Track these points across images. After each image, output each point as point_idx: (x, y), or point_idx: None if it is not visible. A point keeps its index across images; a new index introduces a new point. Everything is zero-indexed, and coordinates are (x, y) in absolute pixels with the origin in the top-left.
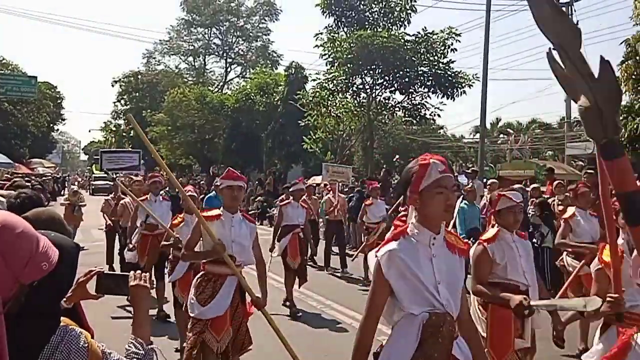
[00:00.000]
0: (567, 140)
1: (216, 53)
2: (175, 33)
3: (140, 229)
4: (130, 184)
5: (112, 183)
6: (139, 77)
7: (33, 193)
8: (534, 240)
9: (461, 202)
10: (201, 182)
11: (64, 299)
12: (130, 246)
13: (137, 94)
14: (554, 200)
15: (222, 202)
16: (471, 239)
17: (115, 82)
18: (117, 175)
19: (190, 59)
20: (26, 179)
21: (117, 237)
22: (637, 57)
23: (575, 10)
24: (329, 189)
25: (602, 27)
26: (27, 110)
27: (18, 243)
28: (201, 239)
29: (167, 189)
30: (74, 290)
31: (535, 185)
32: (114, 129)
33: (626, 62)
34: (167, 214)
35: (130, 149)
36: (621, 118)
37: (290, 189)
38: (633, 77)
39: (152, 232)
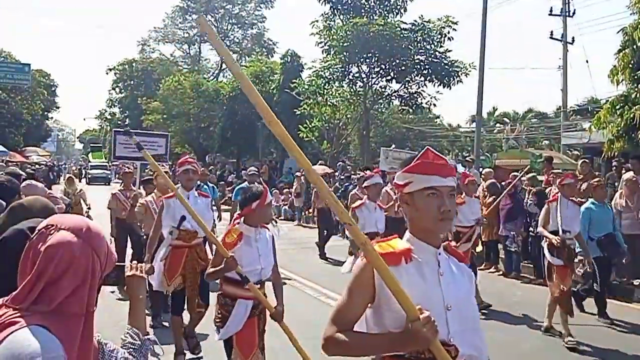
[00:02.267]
0: (563, 130)
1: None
2: (170, 20)
3: (170, 239)
4: (122, 174)
5: (109, 172)
6: (134, 65)
7: (7, 179)
8: (530, 229)
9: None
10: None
11: None
12: (148, 267)
13: (132, 82)
14: (550, 190)
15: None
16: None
17: (110, 70)
18: (114, 163)
19: (185, 46)
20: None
21: (128, 240)
22: (634, 46)
23: None
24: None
25: (600, 15)
26: (20, 98)
27: (102, 242)
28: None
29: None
30: None
31: (532, 174)
32: (109, 117)
33: (623, 51)
34: (207, 216)
35: (155, 132)
36: (617, 107)
37: (364, 183)
38: (630, 65)
39: (189, 243)
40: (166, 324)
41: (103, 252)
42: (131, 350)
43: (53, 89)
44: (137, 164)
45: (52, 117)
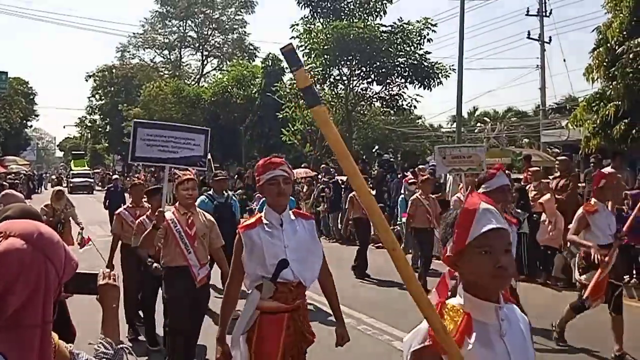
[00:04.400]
0: (542, 128)
1: (192, 46)
2: (150, 26)
3: (258, 298)
4: (130, 186)
5: (91, 180)
6: (114, 71)
7: None
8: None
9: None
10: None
11: None
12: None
13: (112, 88)
14: (530, 187)
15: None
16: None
17: (89, 76)
18: (95, 171)
19: (166, 52)
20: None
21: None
22: (608, 45)
23: None
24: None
25: (576, 15)
26: None
27: (57, 247)
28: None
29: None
30: None
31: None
32: (89, 124)
33: (598, 50)
34: (316, 252)
35: (191, 126)
36: (593, 105)
37: (483, 188)
38: (604, 64)
39: (290, 305)
40: None
41: (58, 258)
42: (104, 359)
43: (31, 97)
44: (164, 172)
45: (31, 126)
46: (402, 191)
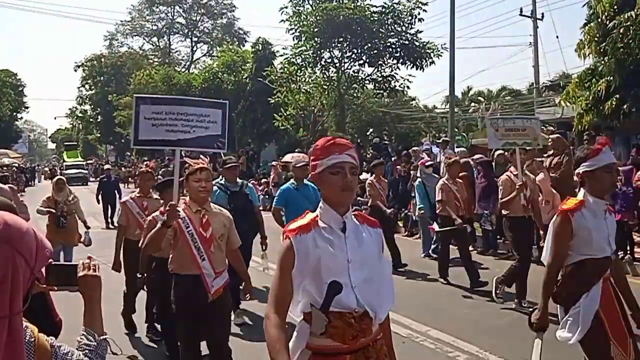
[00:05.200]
0: (536, 106)
1: (181, 32)
2: (137, 13)
3: (308, 333)
4: (134, 174)
5: (85, 171)
6: (103, 60)
7: None
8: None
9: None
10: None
11: None
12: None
13: (102, 77)
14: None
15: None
16: None
17: (78, 66)
18: (89, 163)
19: (155, 39)
20: None
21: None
22: (599, 20)
23: None
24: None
25: None
26: None
27: (26, 237)
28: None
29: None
30: None
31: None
32: (80, 115)
33: (589, 25)
34: (386, 272)
35: (206, 100)
36: (585, 81)
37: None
38: (595, 39)
39: (355, 343)
40: None
41: (27, 248)
42: (87, 351)
43: (20, 88)
44: (175, 156)
45: (21, 118)
46: (419, 174)
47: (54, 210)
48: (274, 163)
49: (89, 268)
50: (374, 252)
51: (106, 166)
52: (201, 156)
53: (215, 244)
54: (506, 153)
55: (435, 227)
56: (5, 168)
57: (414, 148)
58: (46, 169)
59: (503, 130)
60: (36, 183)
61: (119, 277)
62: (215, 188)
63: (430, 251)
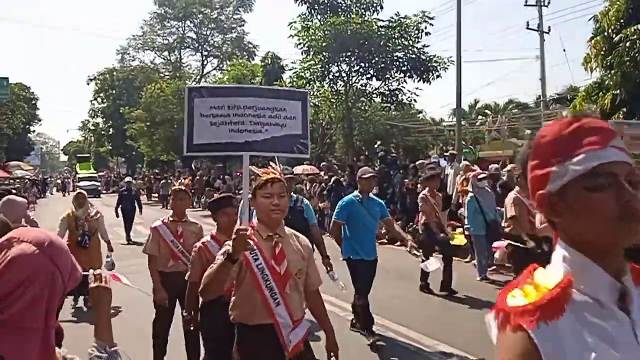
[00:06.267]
0: (543, 119)
1: (191, 46)
2: (149, 27)
3: None
4: (170, 194)
5: (98, 184)
6: (115, 74)
7: None
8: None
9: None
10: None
11: None
12: None
13: (114, 91)
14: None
15: None
16: None
17: (91, 80)
18: (100, 175)
19: (166, 53)
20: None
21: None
22: (605, 33)
23: None
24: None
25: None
26: (0, 112)
27: (65, 255)
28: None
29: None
30: None
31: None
32: (92, 127)
33: (595, 38)
34: None
35: (281, 88)
36: (592, 94)
37: None
38: (602, 53)
39: None
40: None
41: (66, 267)
42: None
43: (33, 102)
44: (244, 164)
45: (34, 131)
46: (470, 188)
47: (74, 231)
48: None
49: (100, 280)
50: None
51: (127, 178)
52: (271, 163)
53: (292, 283)
54: None
55: (498, 244)
56: (17, 180)
57: (421, 161)
58: (58, 181)
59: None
60: (47, 195)
61: (128, 289)
62: None
63: (487, 274)
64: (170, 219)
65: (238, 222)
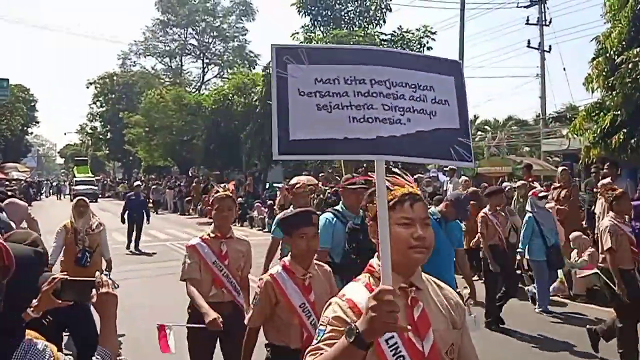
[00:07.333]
0: (542, 137)
1: (193, 53)
2: (151, 34)
3: None
4: (210, 204)
5: (96, 187)
6: (115, 78)
7: None
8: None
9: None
10: (180, 185)
11: (31, 309)
12: None
13: (113, 95)
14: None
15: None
16: None
17: (90, 84)
18: (97, 178)
19: (167, 59)
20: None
21: None
22: (607, 55)
23: (548, 8)
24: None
25: (576, 24)
26: None
27: None
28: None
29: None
30: (39, 299)
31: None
32: (90, 131)
33: (597, 59)
34: None
35: (421, 54)
36: (593, 114)
37: None
38: (604, 73)
39: None
40: None
41: None
42: None
43: (32, 103)
44: (377, 174)
45: (32, 132)
46: (529, 208)
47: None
48: (280, 186)
49: (107, 286)
50: None
51: (136, 183)
52: (396, 170)
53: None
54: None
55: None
56: (14, 182)
57: (419, 174)
58: (54, 183)
59: None
60: (42, 197)
61: (133, 296)
62: (330, 216)
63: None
64: (212, 234)
65: (377, 266)
